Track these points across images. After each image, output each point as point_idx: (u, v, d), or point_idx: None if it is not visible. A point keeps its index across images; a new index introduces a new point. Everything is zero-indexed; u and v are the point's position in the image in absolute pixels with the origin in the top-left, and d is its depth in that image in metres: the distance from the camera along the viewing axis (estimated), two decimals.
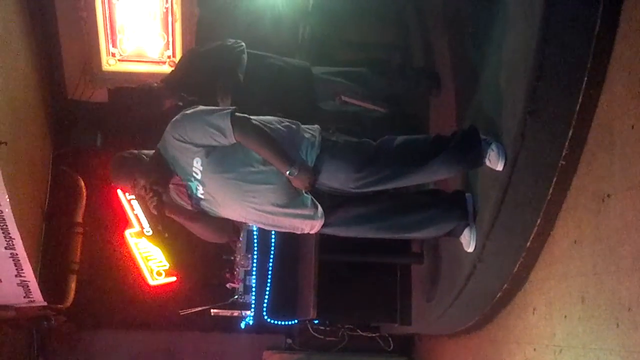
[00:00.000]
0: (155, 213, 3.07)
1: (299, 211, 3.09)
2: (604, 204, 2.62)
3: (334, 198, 3.14)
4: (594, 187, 2.72)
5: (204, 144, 2.98)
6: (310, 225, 3.15)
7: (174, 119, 3.08)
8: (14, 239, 4.15)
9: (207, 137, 2.96)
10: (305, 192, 3.08)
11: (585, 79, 2.70)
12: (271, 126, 3.06)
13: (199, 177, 3.04)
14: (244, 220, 3.25)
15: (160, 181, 3.07)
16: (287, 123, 3.12)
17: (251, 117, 3.04)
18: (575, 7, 2.64)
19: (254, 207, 3.06)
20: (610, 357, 2.53)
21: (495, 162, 3.01)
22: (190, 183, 3.09)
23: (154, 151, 3.14)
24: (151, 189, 3.03)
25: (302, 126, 3.14)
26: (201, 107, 3.09)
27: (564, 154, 2.85)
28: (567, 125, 2.78)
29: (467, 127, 3.19)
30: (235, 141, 2.96)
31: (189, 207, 3.19)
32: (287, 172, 2.96)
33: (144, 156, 3.15)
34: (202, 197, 3.11)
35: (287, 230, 3.25)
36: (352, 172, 3.03)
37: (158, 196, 3.05)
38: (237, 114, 2.99)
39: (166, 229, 3.17)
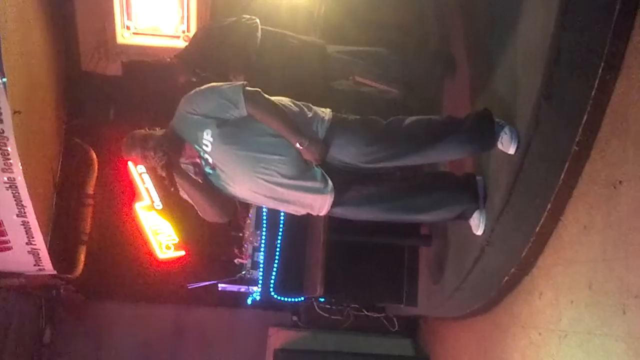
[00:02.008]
0: (164, 174, 3.08)
1: (309, 184, 3.08)
2: (616, 190, 2.61)
3: (344, 175, 3.13)
4: (606, 173, 2.71)
5: (216, 115, 3.01)
6: (320, 200, 3.14)
7: (187, 94, 3.12)
8: (25, 206, 4.17)
9: (219, 109, 3.00)
10: (316, 166, 3.08)
11: (602, 64, 2.67)
12: (283, 102, 3.09)
13: (209, 149, 3.05)
14: (252, 197, 3.22)
15: (171, 148, 3.09)
16: (299, 103, 3.14)
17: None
18: None
19: (264, 179, 3.06)
20: (615, 344, 2.54)
21: (507, 145, 3.00)
22: (201, 154, 3.11)
23: (165, 129, 3.18)
24: (160, 150, 3.05)
25: (314, 107, 3.16)
26: (214, 83, 3.12)
27: (577, 139, 2.82)
28: (582, 111, 2.76)
29: (481, 109, 3.18)
30: (246, 113, 2.99)
31: (199, 180, 3.21)
32: (297, 144, 2.97)
33: (155, 134, 3.17)
34: (211, 171, 3.12)
35: (296, 210, 3.24)
36: (363, 146, 3.04)
37: (167, 157, 3.07)
38: (248, 87, 3.03)
39: (174, 194, 3.19)
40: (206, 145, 3.05)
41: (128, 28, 5.62)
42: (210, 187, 3.18)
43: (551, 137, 2.88)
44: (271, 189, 3.10)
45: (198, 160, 3.15)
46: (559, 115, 2.82)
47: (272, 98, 3.09)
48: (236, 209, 3.44)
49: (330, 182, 3.10)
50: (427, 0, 4.80)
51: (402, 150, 3.09)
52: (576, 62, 2.72)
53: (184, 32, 5.67)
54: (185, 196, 3.27)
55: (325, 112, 3.13)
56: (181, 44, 5.47)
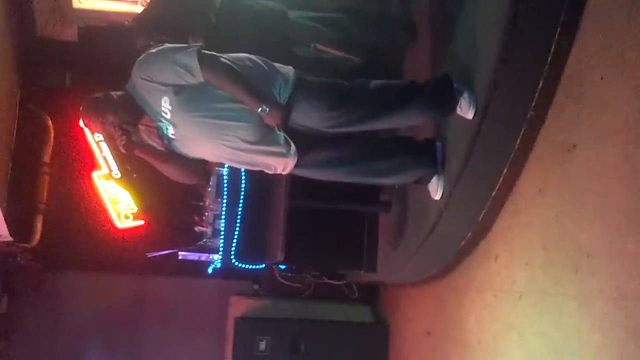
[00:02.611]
0: (125, 152, 3.04)
1: (272, 148, 3.08)
2: (570, 154, 2.67)
3: (306, 138, 3.13)
4: (561, 137, 2.77)
5: (172, 83, 2.93)
6: (283, 163, 3.14)
7: (139, 58, 3.02)
8: None
9: (175, 76, 2.91)
10: (278, 130, 3.06)
11: (559, 29, 2.71)
12: (240, 63, 3.00)
13: (168, 116, 3.00)
14: (216, 160, 3.22)
15: (129, 119, 3.04)
16: (258, 60, 3.07)
17: (220, 54, 2.99)
18: None
19: (227, 145, 3.04)
20: (568, 302, 2.61)
21: (466, 110, 3.04)
22: (160, 123, 3.06)
23: (122, 92, 3.10)
24: (120, 127, 2.99)
25: (275, 64, 3.11)
26: (167, 45, 3.02)
27: (533, 104, 2.88)
28: (538, 75, 2.81)
29: (440, 75, 3.20)
30: (203, 80, 2.92)
31: (160, 148, 3.16)
32: (259, 110, 2.94)
33: (113, 96, 3.10)
34: (173, 137, 3.08)
35: (260, 169, 3.24)
36: (325, 111, 3.03)
37: (127, 134, 3.02)
38: (203, 51, 2.94)
39: (135, 170, 3.15)
40: (165, 113, 3.00)
41: None
42: (175, 154, 3.15)
43: (508, 101, 2.93)
44: (234, 152, 3.08)
45: (155, 129, 3.11)
46: (516, 80, 2.86)
47: (229, 55, 3.02)
48: (204, 167, 3.39)
49: (293, 146, 3.10)
50: None
51: (364, 115, 3.09)
52: (533, 27, 2.75)
53: None
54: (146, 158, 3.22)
55: (288, 71, 3.08)
56: (139, 9, 5.34)
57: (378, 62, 4.45)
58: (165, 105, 2.97)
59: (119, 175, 6.03)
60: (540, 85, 2.83)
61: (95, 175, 6.16)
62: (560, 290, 2.70)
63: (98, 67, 5.66)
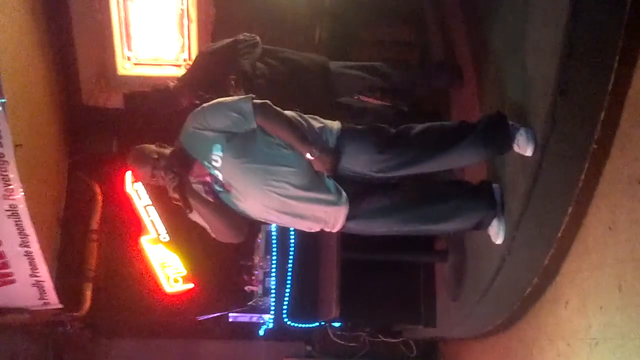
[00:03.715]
0: (176, 196, 2.98)
1: (322, 196, 2.99)
2: None
3: (357, 187, 3.04)
4: (629, 169, 2.61)
5: (224, 129, 2.94)
6: (334, 213, 3.03)
7: (194, 111, 3.05)
8: (28, 235, 4.06)
9: (228, 122, 2.93)
10: (328, 177, 2.99)
11: (618, 56, 2.59)
12: (291, 115, 3.03)
13: (219, 164, 2.96)
14: (265, 212, 3.10)
15: (181, 167, 3.00)
16: (306, 116, 3.07)
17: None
18: None
19: (276, 192, 2.96)
20: None
21: (524, 147, 2.89)
22: (210, 171, 3.02)
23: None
24: (172, 171, 2.96)
25: (322, 119, 3.10)
26: (221, 99, 3.06)
27: (595, 136, 2.73)
28: (599, 106, 2.67)
29: (493, 112, 3.08)
30: (256, 125, 2.93)
31: (210, 199, 3.10)
32: (308, 154, 2.90)
33: (162, 148, 3.09)
34: (221, 189, 3.03)
35: (310, 226, 3.13)
36: (374, 153, 2.96)
37: (179, 177, 2.97)
38: (256, 100, 2.97)
39: (182, 232, 3.10)
40: (215, 161, 2.97)
41: (129, 59, 5.61)
42: (222, 206, 3.08)
43: (569, 136, 2.78)
44: (284, 202, 3.00)
45: (208, 179, 3.06)
46: (575, 112, 2.73)
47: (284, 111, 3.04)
48: (250, 228, 3.32)
49: (344, 194, 3.02)
50: (428, 11, 4.75)
51: (415, 157, 3.00)
52: (591, 56, 2.63)
53: (185, 60, 5.64)
54: (196, 218, 3.16)
55: (334, 123, 3.07)
56: (183, 72, 5.41)
57: (424, 109, 4.38)
58: (217, 152, 2.95)
59: (167, 239, 6.02)
60: (602, 115, 2.69)
61: (143, 240, 6.14)
62: None
63: (144, 132, 5.69)
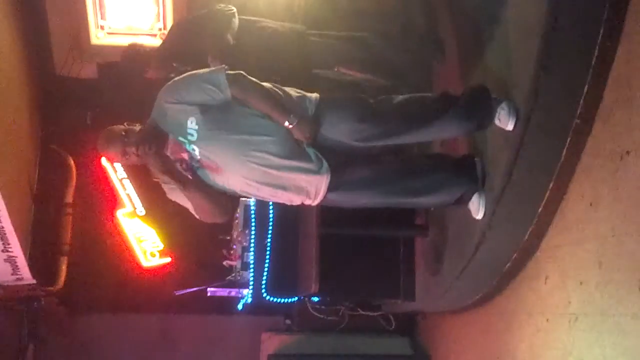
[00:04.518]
0: (156, 163, 2.92)
1: (303, 164, 2.93)
2: (622, 161, 2.49)
3: (338, 156, 2.99)
4: (611, 145, 2.58)
5: (199, 101, 2.87)
6: (316, 182, 2.97)
7: (166, 85, 2.97)
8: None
9: (202, 94, 2.86)
10: (308, 146, 2.94)
11: (602, 30, 2.55)
12: (267, 85, 2.97)
13: (194, 137, 2.89)
14: (246, 185, 3.02)
15: (153, 144, 2.93)
16: (283, 88, 3.01)
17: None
18: None
19: (256, 162, 2.90)
20: (632, 322, 2.40)
21: (505, 121, 2.86)
22: (187, 147, 2.95)
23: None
24: (144, 143, 2.89)
25: (299, 90, 3.04)
26: (193, 71, 2.99)
27: (578, 111, 2.71)
28: (583, 80, 2.64)
29: (476, 84, 3.04)
30: (230, 96, 2.87)
31: (189, 176, 3.02)
32: (286, 122, 2.85)
33: (132, 127, 3.02)
34: (199, 163, 2.96)
35: (291, 198, 3.07)
36: (355, 122, 2.92)
37: (154, 146, 2.91)
38: (230, 71, 2.91)
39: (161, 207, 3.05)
40: (191, 135, 2.90)
41: (102, 28, 5.46)
42: (204, 183, 3.01)
43: (551, 110, 2.76)
44: (264, 172, 2.93)
45: (184, 155, 2.99)
46: (558, 86, 2.70)
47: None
48: (234, 205, 3.26)
49: (325, 162, 2.97)
50: None
51: (397, 127, 2.97)
52: (574, 30, 2.60)
53: (160, 29, 5.50)
54: (176, 198, 3.09)
55: (312, 94, 3.02)
56: (158, 42, 5.28)
57: (405, 83, 4.31)
58: (192, 125, 2.88)
59: (144, 213, 5.95)
60: (585, 90, 2.66)
61: (119, 213, 6.05)
62: (621, 309, 2.49)
63: (118, 104, 5.59)
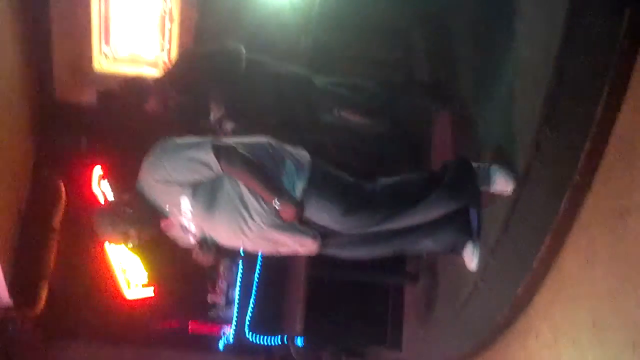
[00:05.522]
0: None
1: (293, 232, 2.94)
2: (622, 220, 2.46)
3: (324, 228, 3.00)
4: (611, 203, 2.56)
5: (190, 181, 2.84)
6: (308, 245, 2.99)
7: (148, 159, 2.91)
8: None
9: (192, 173, 2.83)
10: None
11: (607, 87, 2.55)
12: (261, 143, 2.96)
13: (189, 216, 2.89)
14: (242, 246, 3.05)
15: (151, 227, 2.96)
16: (268, 147, 2.97)
17: (235, 142, 2.93)
18: (599, 15, 2.53)
19: (249, 234, 2.91)
20: None
21: (504, 185, 2.92)
22: (182, 222, 2.95)
23: (130, 195, 2.96)
24: (143, 229, 2.93)
25: (288, 147, 3.01)
26: (175, 141, 2.93)
27: (578, 167, 2.69)
28: (585, 136, 2.63)
29: (458, 160, 3.09)
30: (222, 172, 2.83)
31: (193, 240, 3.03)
32: (273, 203, 2.83)
33: (125, 208, 2.95)
34: (197, 234, 2.98)
35: (284, 252, 3.09)
36: (338, 216, 2.91)
37: (154, 231, 2.98)
38: (217, 144, 2.86)
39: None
40: (186, 214, 2.89)
41: (106, 55, 5.46)
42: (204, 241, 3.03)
43: (551, 165, 2.76)
44: (259, 235, 2.94)
45: (178, 229, 3.01)
46: (560, 141, 2.70)
47: (243, 144, 2.93)
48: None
49: (312, 232, 2.97)
50: (417, 35, 4.72)
51: (381, 218, 2.96)
52: (580, 85, 2.61)
53: (164, 62, 5.51)
54: (175, 237, 3.10)
55: (302, 157, 2.97)
56: (160, 73, 5.29)
57: (405, 130, 4.33)
58: (186, 206, 2.87)
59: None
60: (587, 146, 2.65)
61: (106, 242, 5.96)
62: None
63: (114, 132, 5.58)
